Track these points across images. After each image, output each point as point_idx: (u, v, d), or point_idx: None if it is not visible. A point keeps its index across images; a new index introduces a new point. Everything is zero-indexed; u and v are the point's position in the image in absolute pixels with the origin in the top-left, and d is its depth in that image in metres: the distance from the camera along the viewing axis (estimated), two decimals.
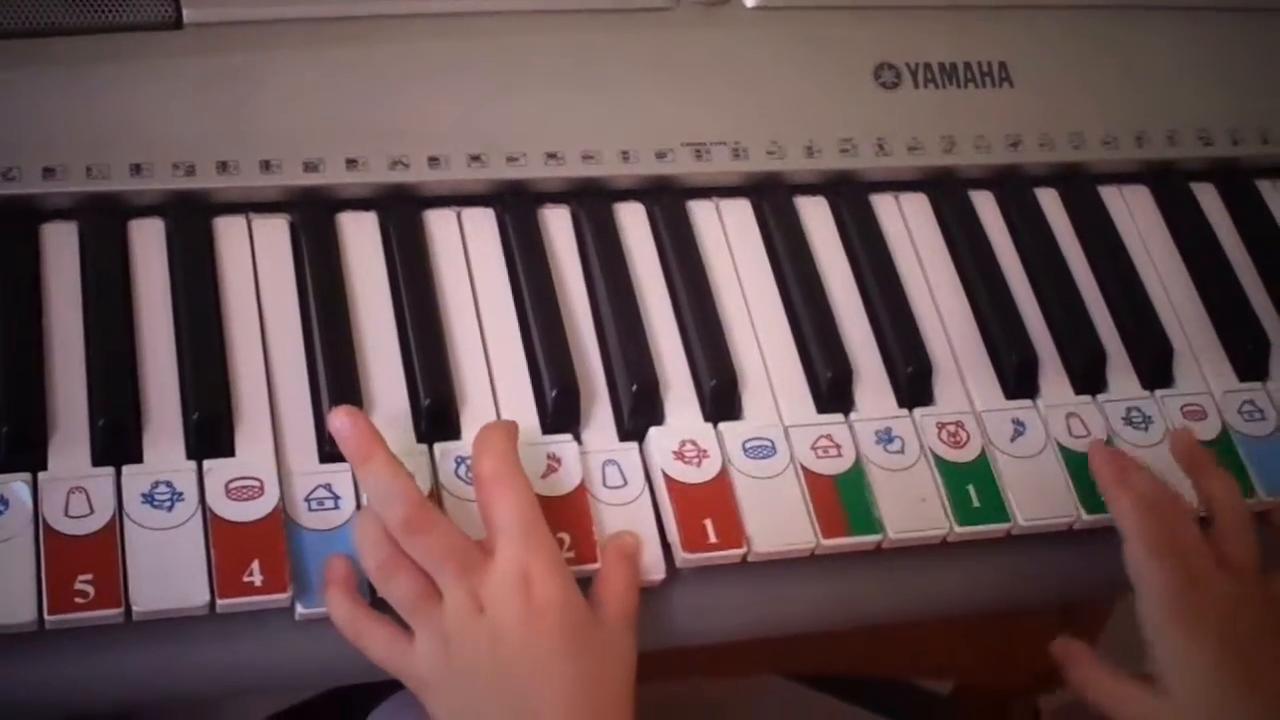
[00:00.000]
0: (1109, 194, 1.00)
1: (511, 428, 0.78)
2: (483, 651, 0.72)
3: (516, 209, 0.89)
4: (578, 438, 0.82)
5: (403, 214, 0.87)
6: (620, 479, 0.81)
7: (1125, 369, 0.92)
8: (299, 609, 0.74)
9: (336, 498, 0.77)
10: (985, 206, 0.97)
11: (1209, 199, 1.02)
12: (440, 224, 0.88)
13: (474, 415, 0.81)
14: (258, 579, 0.73)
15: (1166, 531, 0.81)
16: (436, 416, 0.80)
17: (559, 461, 0.81)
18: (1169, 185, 1.01)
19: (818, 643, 1.29)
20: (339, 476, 0.77)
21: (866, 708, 1.54)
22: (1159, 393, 0.91)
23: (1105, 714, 0.80)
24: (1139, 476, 0.84)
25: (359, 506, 0.77)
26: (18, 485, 0.73)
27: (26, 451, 0.75)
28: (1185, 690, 0.78)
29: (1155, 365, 0.92)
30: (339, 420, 0.76)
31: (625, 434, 0.83)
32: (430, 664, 0.73)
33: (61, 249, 0.82)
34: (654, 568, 0.79)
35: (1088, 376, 0.91)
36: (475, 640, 0.72)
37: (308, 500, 0.77)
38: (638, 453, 0.82)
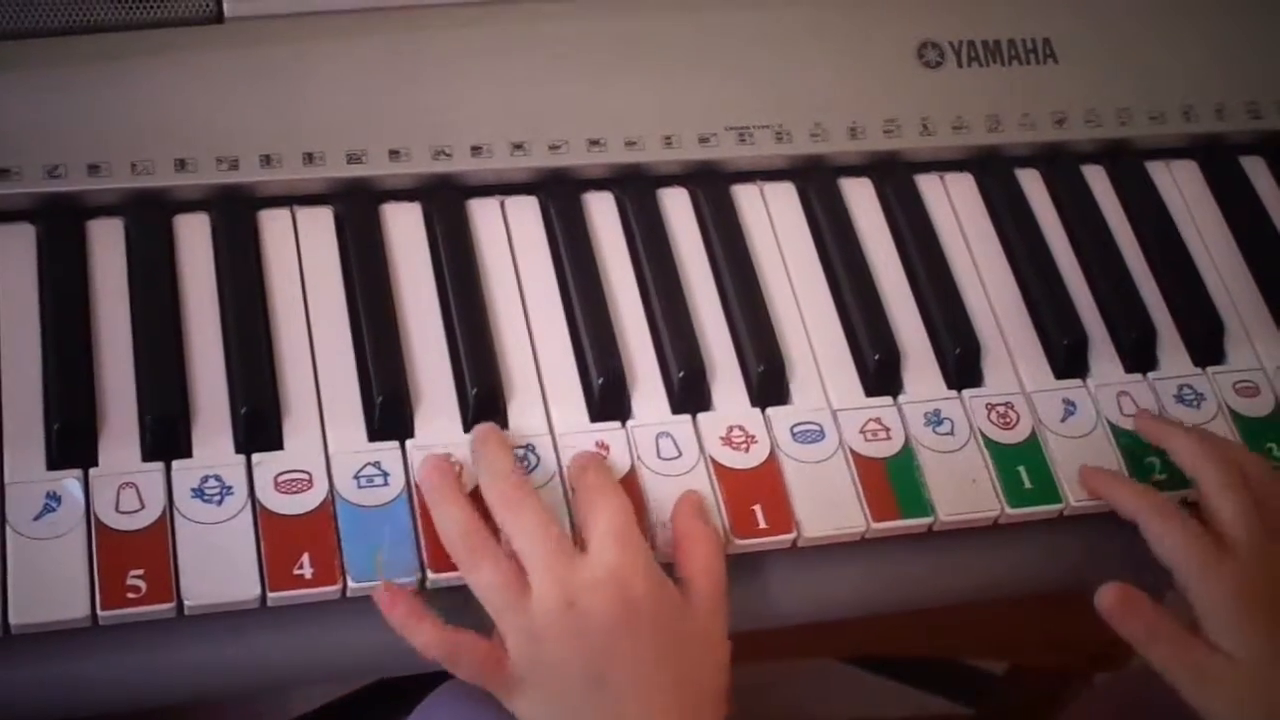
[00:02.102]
0: (1157, 169, 0.99)
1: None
2: (571, 648, 0.72)
3: (560, 196, 0.89)
4: (624, 425, 0.82)
5: (446, 203, 0.87)
6: (675, 450, 0.81)
7: (1176, 347, 0.92)
8: (350, 583, 0.74)
9: (385, 474, 0.77)
10: (1032, 185, 0.97)
11: (1258, 172, 1.01)
12: (484, 213, 0.88)
13: (521, 404, 0.81)
14: (308, 571, 0.74)
15: (1236, 467, 0.82)
16: (484, 406, 0.80)
17: (607, 449, 0.80)
18: (1218, 159, 1.00)
19: (872, 625, 1.29)
20: (387, 454, 0.78)
21: (921, 689, 1.54)
22: (1211, 370, 0.91)
23: (1166, 670, 0.78)
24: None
25: (408, 484, 0.77)
26: (69, 482, 0.74)
27: (77, 448, 0.75)
28: (1248, 652, 0.76)
29: (1206, 342, 0.92)
30: (482, 426, 0.79)
31: (677, 407, 0.83)
32: (521, 664, 0.72)
33: (108, 245, 0.82)
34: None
35: (1138, 355, 0.90)
36: (564, 636, 0.72)
37: (357, 478, 0.77)
38: (690, 425, 0.82)
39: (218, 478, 0.76)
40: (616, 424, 0.82)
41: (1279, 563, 0.79)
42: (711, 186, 0.91)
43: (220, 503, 0.75)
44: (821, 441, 0.83)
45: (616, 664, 0.72)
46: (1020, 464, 0.84)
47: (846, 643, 1.34)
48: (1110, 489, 0.83)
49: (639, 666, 0.72)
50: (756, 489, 0.81)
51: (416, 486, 0.77)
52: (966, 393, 0.87)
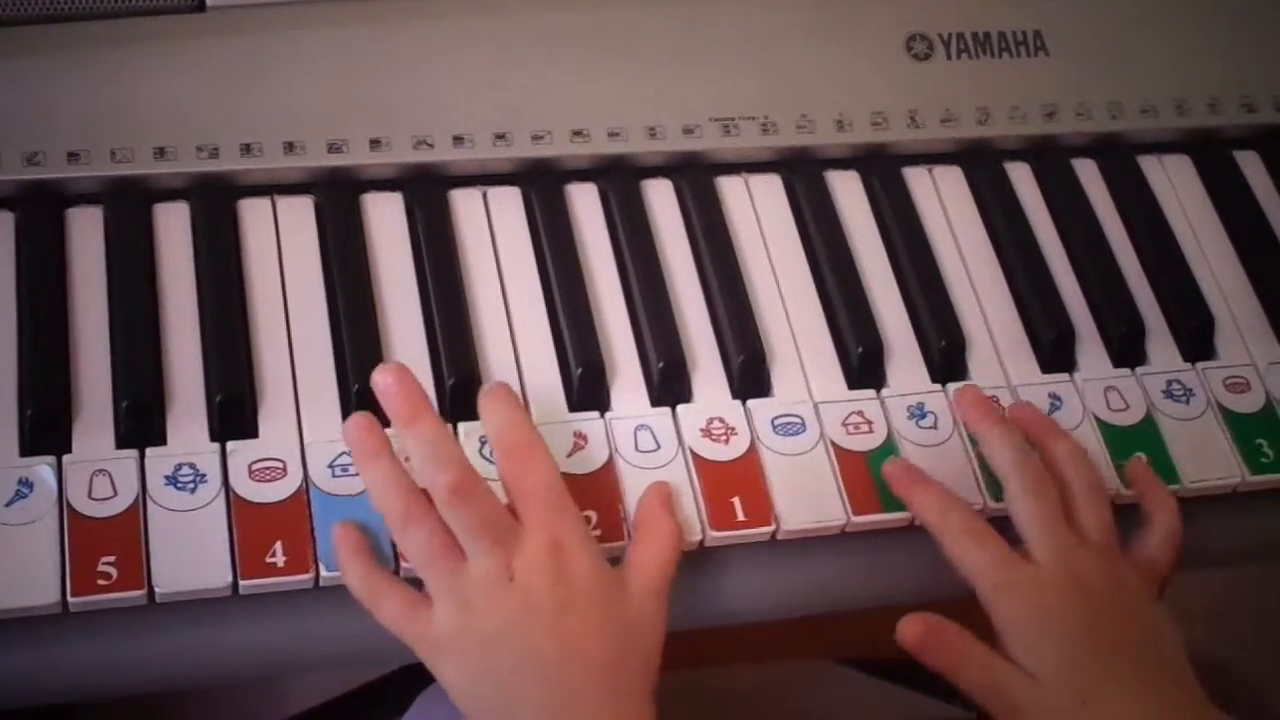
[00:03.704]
0: (1149, 164, 0.98)
1: (512, 394, 0.78)
2: (510, 621, 0.71)
3: (542, 187, 0.88)
4: (603, 416, 0.81)
5: (428, 194, 0.87)
6: (653, 443, 0.81)
7: (1166, 341, 0.91)
8: (323, 571, 0.73)
9: None
10: (1021, 178, 0.96)
11: (1253, 167, 1.00)
12: (466, 203, 0.88)
13: None
14: (280, 560, 0.73)
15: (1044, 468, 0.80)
16: (461, 395, 0.80)
17: (585, 439, 0.80)
18: (1211, 154, 1.00)
19: (864, 625, 1.28)
20: None
21: (917, 690, 1.52)
22: (1200, 365, 0.90)
23: (975, 695, 0.76)
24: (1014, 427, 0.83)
25: None
26: (42, 468, 0.74)
27: (51, 434, 0.75)
28: (1046, 670, 0.75)
29: (1196, 337, 0.91)
30: (387, 376, 0.75)
31: (656, 400, 0.83)
32: (449, 628, 0.72)
33: (87, 233, 0.82)
34: (691, 529, 0.79)
35: (1126, 349, 0.90)
36: (502, 608, 0.71)
37: (331, 466, 0.76)
38: (670, 417, 0.82)
39: (191, 465, 0.75)
40: (595, 414, 0.81)
41: (1082, 571, 0.77)
42: (696, 178, 0.91)
43: (194, 490, 0.75)
44: (802, 434, 0.82)
45: (552, 640, 0.71)
46: None
47: (843, 644, 1.33)
48: (909, 494, 0.81)
49: (574, 642, 0.71)
50: (736, 481, 0.80)
51: None
52: (951, 386, 0.86)
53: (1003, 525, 0.80)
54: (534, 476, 0.74)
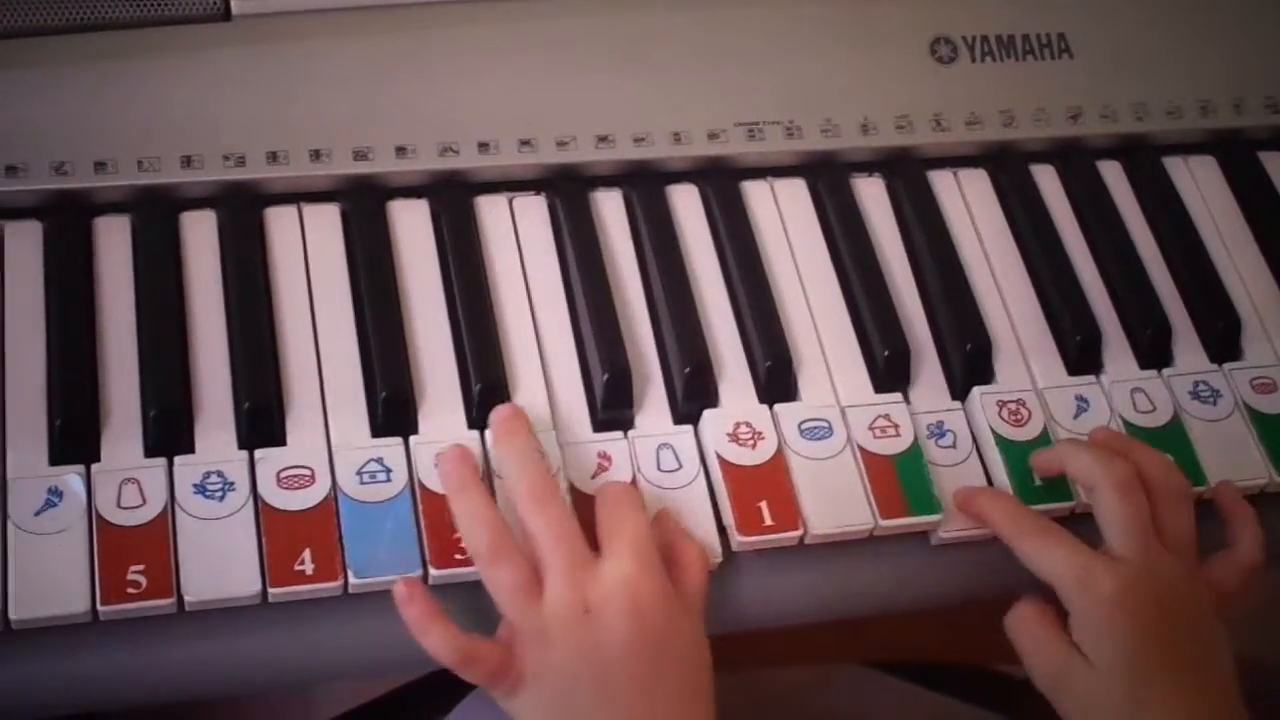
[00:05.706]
0: (1174, 165, 0.98)
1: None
2: (585, 654, 0.71)
3: (568, 193, 0.88)
4: (630, 423, 0.82)
5: (453, 200, 0.87)
6: (675, 462, 0.81)
7: (1192, 343, 0.91)
8: (352, 579, 0.73)
9: (388, 471, 0.77)
10: (1046, 180, 0.96)
11: (1278, 167, 1.00)
12: (491, 210, 0.88)
13: (525, 400, 0.81)
14: (309, 568, 0.73)
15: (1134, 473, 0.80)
16: (488, 402, 0.80)
17: (609, 460, 0.80)
18: (1236, 154, 0.99)
19: (895, 628, 1.28)
20: (391, 451, 0.77)
21: (947, 694, 1.52)
22: (1227, 366, 0.89)
23: (1023, 652, 0.79)
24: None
25: (411, 480, 0.76)
26: (71, 477, 0.74)
27: (80, 444, 0.75)
28: (1106, 662, 0.76)
29: (1223, 338, 0.91)
30: (505, 409, 0.78)
31: (679, 418, 0.83)
32: (530, 663, 0.72)
33: (114, 242, 0.83)
34: (713, 550, 0.79)
35: (1153, 351, 0.89)
36: (578, 641, 0.71)
37: (360, 474, 0.76)
38: (692, 436, 0.82)
39: (220, 473, 0.75)
40: (619, 434, 0.81)
41: (1166, 575, 0.78)
42: (721, 183, 0.91)
43: (222, 498, 0.75)
44: (830, 438, 0.82)
45: (625, 673, 0.71)
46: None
47: (868, 646, 1.33)
48: (978, 504, 0.81)
49: (646, 676, 0.72)
50: (763, 486, 0.80)
51: (420, 483, 0.77)
52: (977, 389, 0.86)
53: None
54: (628, 524, 0.75)
